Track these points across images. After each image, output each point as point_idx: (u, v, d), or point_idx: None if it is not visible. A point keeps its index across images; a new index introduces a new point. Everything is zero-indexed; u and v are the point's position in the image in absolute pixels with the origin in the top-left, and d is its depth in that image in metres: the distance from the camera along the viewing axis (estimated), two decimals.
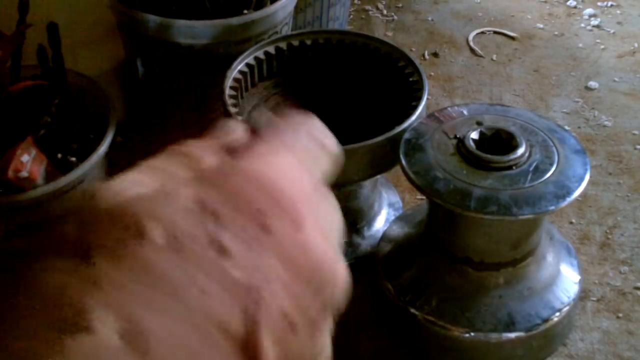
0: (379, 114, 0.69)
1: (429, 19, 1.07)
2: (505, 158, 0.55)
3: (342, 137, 0.62)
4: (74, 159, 0.65)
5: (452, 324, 0.57)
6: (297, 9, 0.85)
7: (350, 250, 0.69)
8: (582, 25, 1.05)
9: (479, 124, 0.59)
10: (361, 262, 0.68)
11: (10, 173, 0.62)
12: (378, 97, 0.70)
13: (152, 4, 0.71)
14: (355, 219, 0.69)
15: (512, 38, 1.02)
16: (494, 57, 0.98)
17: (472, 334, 0.56)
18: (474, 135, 0.57)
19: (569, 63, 0.96)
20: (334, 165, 0.33)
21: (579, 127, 0.85)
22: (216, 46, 0.70)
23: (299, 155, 0.31)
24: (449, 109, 0.62)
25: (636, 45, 1.00)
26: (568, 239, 0.68)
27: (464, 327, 0.57)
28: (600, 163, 0.79)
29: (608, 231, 0.71)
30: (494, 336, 0.56)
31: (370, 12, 1.08)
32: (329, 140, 0.34)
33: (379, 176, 0.68)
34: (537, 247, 0.58)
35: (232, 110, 0.63)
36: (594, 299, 0.64)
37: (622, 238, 0.70)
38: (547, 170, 0.55)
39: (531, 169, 0.55)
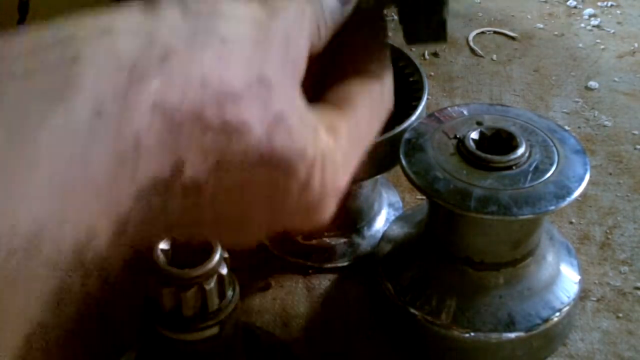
0: None
1: None
2: (505, 158, 0.55)
3: None
4: None
5: (452, 324, 0.57)
6: None
7: (350, 250, 0.69)
8: (582, 25, 1.05)
9: (479, 124, 0.59)
10: (361, 262, 0.68)
11: None
12: None
13: None
14: (355, 219, 0.69)
15: (512, 38, 1.02)
16: (494, 57, 0.98)
17: (472, 334, 0.56)
18: (474, 135, 0.57)
19: (569, 63, 0.96)
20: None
21: (579, 127, 0.84)
22: None
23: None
24: (449, 109, 0.62)
25: (636, 45, 1.00)
26: (568, 239, 0.68)
27: (464, 327, 0.57)
28: (600, 163, 0.79)
29: (608, 231, 0.71)
30: (494, 336, 0.56)
31: None
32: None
33: (379, 176, 0.68)
34: (537, 247, 0.58)
35: None
36: (594, 299, 0.64)
37: (622, 238, 0.70)
38: (547, 170, 0.55)
39: (531, 169, 0.55)
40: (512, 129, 0.58)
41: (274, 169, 0.25)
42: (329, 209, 0.28)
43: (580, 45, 1.00)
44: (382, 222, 0.71)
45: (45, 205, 0.18)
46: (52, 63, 0.19)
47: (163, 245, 0.48)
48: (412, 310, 0.58)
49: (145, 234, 0.22)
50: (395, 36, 0.95)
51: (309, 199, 0.27)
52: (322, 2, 0.29)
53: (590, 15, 1.07)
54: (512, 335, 0.56)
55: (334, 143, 0.28)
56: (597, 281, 0.66)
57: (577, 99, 0.89)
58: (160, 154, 0.21)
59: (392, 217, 0.71)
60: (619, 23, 1.06)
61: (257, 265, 0.67)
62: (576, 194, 0.53)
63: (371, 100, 0.31)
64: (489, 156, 0.55)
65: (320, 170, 0.27)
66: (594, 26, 1.05)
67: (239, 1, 0.25)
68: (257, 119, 0.23)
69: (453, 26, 1.05)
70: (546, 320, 0.57)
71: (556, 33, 1.03)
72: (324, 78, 0.31)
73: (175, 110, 0.21)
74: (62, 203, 0.18)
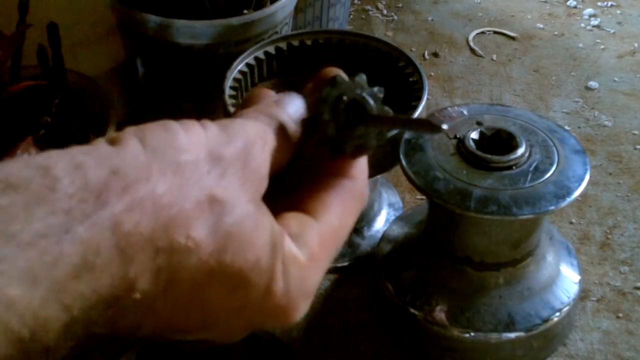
0: None
1: (429, 19, 1.07)
2: (505, 158, 0.55)
3: None
4: None
5: (452, 324, 0.57)
6: (297, 9, 0.85)
7: (350, 250, 0.69)
8: (582, 25, 1.05)
9: (479, 124, 0.59)
10: (361, 262, 0.68)
11: None
12: None
13: (152, 4, 0.71)
14: None
15: (512, 38, 1.02)
16: (494, 57, 0.98)
17: (472, 334, 0.56)
18: (474, 135, 0.57)
19: (569, 63, 0.96)
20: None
21: (579, 127, 0.85)
22: (216, 46, 0.70)
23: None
24: (449, 109, 0.62)
25: (636, 45, 1.00)
26: (568, 239, 0.68)
27: (464, 327, 0.57)
28: (600, 163, 0.79)
29: (608, 231, 0.71)
30: (494, 336, 0.56)
31: (370, 12, 1.08)
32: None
33: (379, 176, 0.68)
34: (537, 247, 0.58)
35: (232, 110, 0.63)
36: (594, 299, 0.64)
37: (622, 238, 0.70)
38: (547, 170, 0.55)
39: (531, 169, 0.55)
40: (512, 129, 0.58)
41: (227, 281, 0.27)
42: (300, 309, 0.30)
43: (580, 45, 1.00)
44: (382, 222, 0.71)
45: (15, 290, 0.21)
46: (34, 188, 0.22)
47: None
48: (412, 310, 0.58)
49: (96, 333, 0.25)
50: (395, 36, 0.95)
51: (275, 304, 0.28)
52: (284, 124, 0.31)
53: (590, 15, 1.07)
54: (512, 335, 0.56)
55: (298, 249, 0.29)
56: (597, 281, 0.66)
57: (577, 99, 0.89)
58: (113, 270, 0.23)
59: (392, 217, 0.71)
60: (619, 23, 1.06)
61: None
62: (576, 194, 0.53)
63: (343, 202, 0.33)
64: (489, 156, 0.55)
65: (283, 277, 0.28)
66: (594, 26, 1.05)
67: (197, 128, 0.27)
68: (206, 236, 0.25)
69: (453, 26, 1.05)
70: (546, 320, 0.57)
71: (556, 33, 1.03)
72: (295, 184, 0.33)
73: (130, 234, 0.23)
74: (30, 290, 0.21)
